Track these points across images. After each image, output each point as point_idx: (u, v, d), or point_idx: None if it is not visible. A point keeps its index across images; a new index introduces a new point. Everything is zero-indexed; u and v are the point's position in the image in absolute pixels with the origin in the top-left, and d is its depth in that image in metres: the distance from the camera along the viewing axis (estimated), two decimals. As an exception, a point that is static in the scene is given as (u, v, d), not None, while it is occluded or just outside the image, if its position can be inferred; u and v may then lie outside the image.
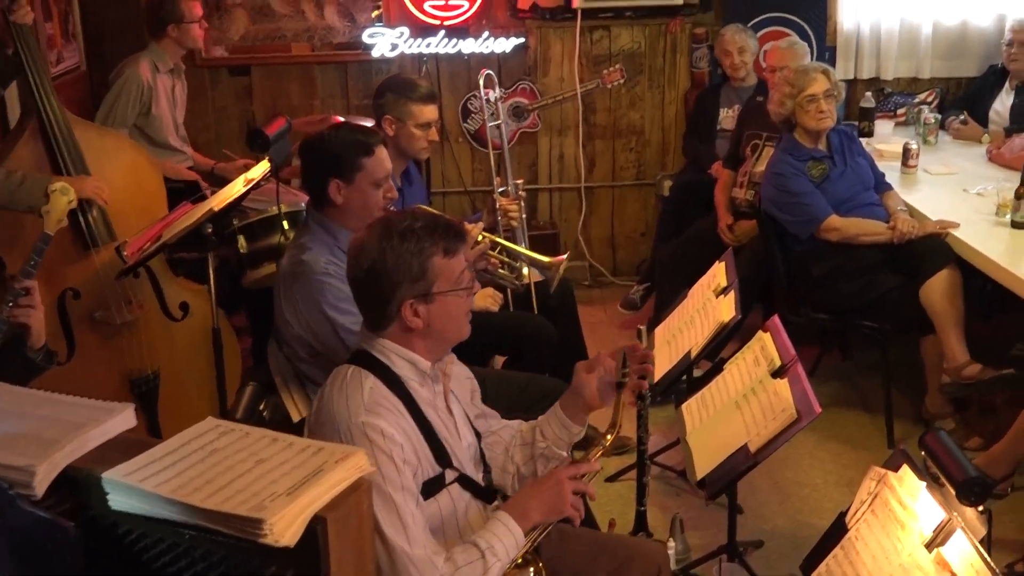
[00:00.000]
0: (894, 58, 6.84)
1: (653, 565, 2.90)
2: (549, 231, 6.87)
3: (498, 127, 5.16)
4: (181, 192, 4.87)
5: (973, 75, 6.86)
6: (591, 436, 3.08)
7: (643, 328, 3.15)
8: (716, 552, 3.81)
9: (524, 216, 4.84)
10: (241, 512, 1.53)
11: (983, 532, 2.67)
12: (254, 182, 3.92)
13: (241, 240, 4.58)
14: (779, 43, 6.05)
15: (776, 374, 3.37)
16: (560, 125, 6.92)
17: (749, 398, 3.41)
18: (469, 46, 6.41)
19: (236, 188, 3.97)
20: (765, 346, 3.56)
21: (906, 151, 5.71)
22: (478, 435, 2.83)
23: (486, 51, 6.47)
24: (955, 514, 2.41)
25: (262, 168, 3.93)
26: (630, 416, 2.85)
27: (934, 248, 4.73)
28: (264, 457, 1.68)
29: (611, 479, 4.54)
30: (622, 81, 6.46)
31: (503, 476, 2.87)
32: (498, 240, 4.31)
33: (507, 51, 6.54)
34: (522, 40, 6.58)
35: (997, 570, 2.23)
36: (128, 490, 1.62)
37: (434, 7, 6.40)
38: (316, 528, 1.55)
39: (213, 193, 4.29)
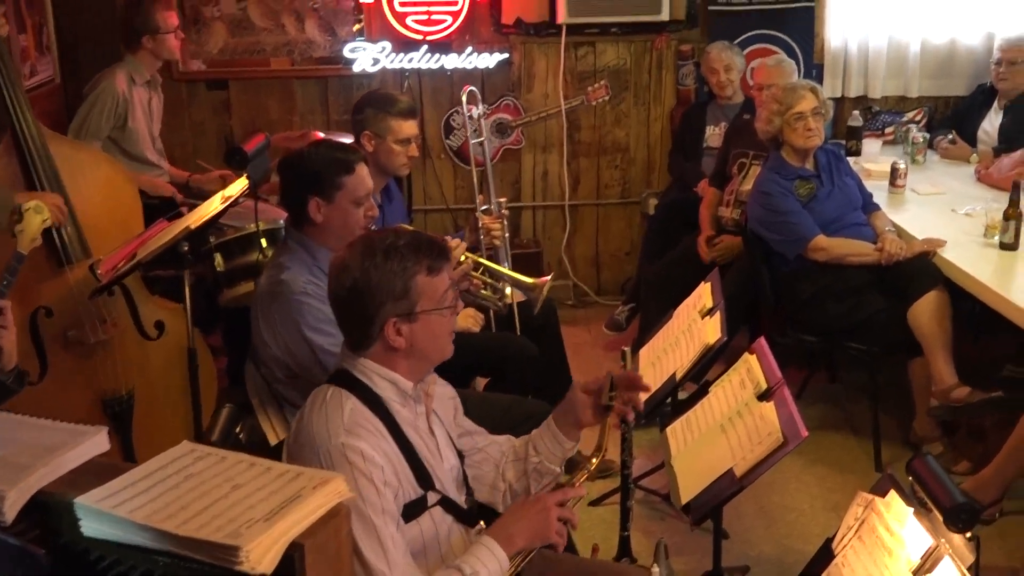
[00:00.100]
0: (882, 76, 6.81)
1: (637, 591, 2.87)
2: (532, 250, 6.81)
3: (481, 144, 5.12)
4: (157, 209, 4.80)
5: (962, 94, 6.84)
6: (576, 460, 3.06)
7: (627, 350, 3.11)
8: (701, 578, 3.77)
9: (507, 235, 4.83)
10: (217, 539, 1.51)
11: (971, 559, 2.63)
12: (232, 199, 3.86)
13: (218, 258, 4.53)
14: (767, 61, 6.02)
15: (762, 397, 3.35)
16: (544, 142, 6.88)
17: (735, 421, 3.38)
18: (452, 61, 6.37)
19: (213, 205, 3.90)
20: (751, 368, 3.53)
21: (894, 170, 5.68)
22: (461, 457, 2.80)
23: (469, 66, 6.43)
24: (943, 540, 2.43)
25: (240, 185, 3.87)
26: (614, 439, 2.84)
27: (922, 269, 4.71)
28: (241, 482, 1.67)
29: (594, 503, 4.50)
30: (607, 98, 6.39)
31: (493, 493, 2.87)
32: (481, 261, 4.29)
33: (491, 67, 6.50)
34: (506, 56, 6.54)
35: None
36: (101, 516, 1.60)
37: (417, 22, 6.35)
38: (294, 555, 1.54)
39: (190, 210, 4.22)
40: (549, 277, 4.31)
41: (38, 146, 4.08)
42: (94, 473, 1.71)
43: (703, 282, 4.25)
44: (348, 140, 4.43)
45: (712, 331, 3.84)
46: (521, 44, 6.65)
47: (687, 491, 3.29)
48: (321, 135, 5.23)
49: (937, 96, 6.95)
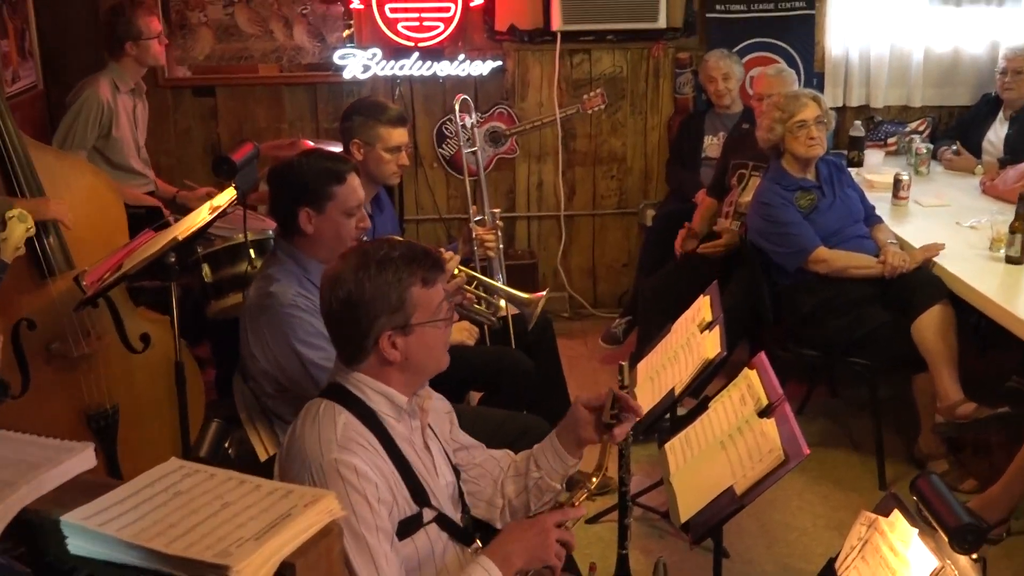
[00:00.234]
0: (884, 86, 6.76)
1: (636, 611, 2.84)
2: (527, 261, 6.76)
3: (474, 153, 5.06)
4: (142, 218, 4.73)
5: (966, 104, 6.79)
6: (575, 478, 3.00)
7: (625, 364, 3.10)
8: (701, 599, 3.71)
9: (501, 246, 4.77)
10: (206, 558, 1.51)
11: (977, 580, 2.57)
12: (220, 210, 3.79)
13: (205, 268, 4.52)
14: (767, 70, 5.96)
15: (763, 413, 3.28)
16: (539, 151, 6.81)
17: (735, 438, 3.31)
18: (444, 68, 6.31)
19: (201, 216, 3.85)
20: (751, 384, 3.47)
21: (897, 182, 5.62)
22: (457, 473, 2.77)
23: (462, 74, 6.36)
24: (948, 562, 2.39)
25: (228, 196, 3.81)
26: (611, 455, 2.78)
27: (926, 283, 4.66)
28: (230, 500, 1.66)
29: (592, 520, 4.45)
30: (603, 106, 6.35)
31: (490, 509, 2.85)
32: (475, 274, 4.25)
33: (484, 74, 6.42)
34: (499, 63, 6.46)
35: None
36: (88, 534, 1.60)
37: (408, 28, 6.28)
38: (285, 575, 1.53)
39: (176, 220, 4.15)
40: (544, 292, 4.28)
41: (20, 155, 4.03)
42: (80, 490, 1.70)
43: (702, 295, 4.19)
44: (338, 149, 4.38)
45: (711, 345, 3.78)
46: (515, 51, 6.58)
47: (686, 509, 3.23)
48: (310, 143, 5.19)
49: (941, 106, 6.90)
